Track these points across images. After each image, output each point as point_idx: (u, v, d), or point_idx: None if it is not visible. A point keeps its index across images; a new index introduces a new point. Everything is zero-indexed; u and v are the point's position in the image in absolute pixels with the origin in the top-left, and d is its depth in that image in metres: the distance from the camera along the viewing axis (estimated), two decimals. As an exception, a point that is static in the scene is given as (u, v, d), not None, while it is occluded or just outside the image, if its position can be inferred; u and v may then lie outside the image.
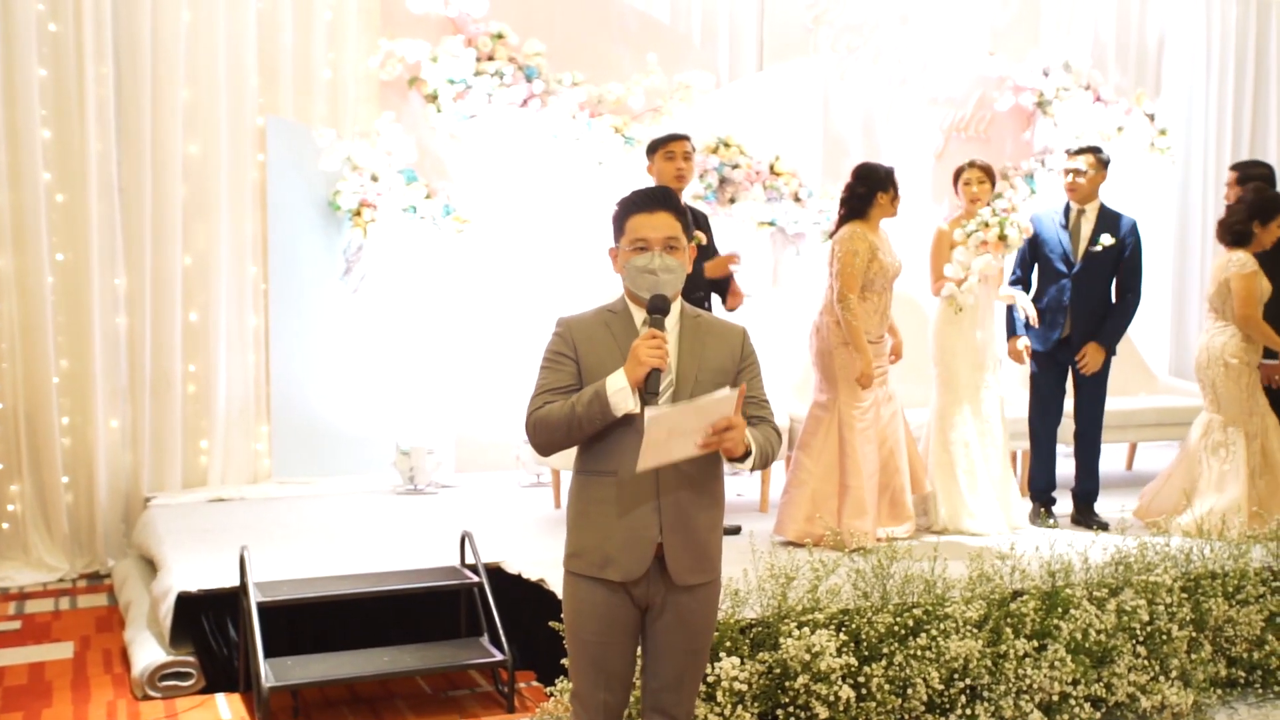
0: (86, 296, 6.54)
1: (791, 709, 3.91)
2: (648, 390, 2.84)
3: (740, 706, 3.86)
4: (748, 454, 2.91)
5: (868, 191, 5.67)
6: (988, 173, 6.01)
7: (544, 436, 2.95)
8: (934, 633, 4.12)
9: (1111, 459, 8.03)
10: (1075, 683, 4.29)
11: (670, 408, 2.79)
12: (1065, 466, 6.37)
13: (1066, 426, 6.28)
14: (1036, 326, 6.02)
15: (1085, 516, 6.05)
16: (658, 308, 2.92)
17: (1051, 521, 5.98)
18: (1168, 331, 9.60)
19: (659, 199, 3.03)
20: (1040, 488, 6.16)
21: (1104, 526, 5.86)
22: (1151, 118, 8.82)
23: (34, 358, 6.49)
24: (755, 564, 4.24)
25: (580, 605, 2.98)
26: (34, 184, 6.43)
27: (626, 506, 2.90)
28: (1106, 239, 5.96)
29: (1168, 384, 8.23)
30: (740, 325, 3.13)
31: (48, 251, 6.48)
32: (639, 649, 3.09)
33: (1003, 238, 5.92)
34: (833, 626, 4.08)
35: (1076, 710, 4.24)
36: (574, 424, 2.89)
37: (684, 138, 5.72)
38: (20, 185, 6.44)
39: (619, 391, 2.84)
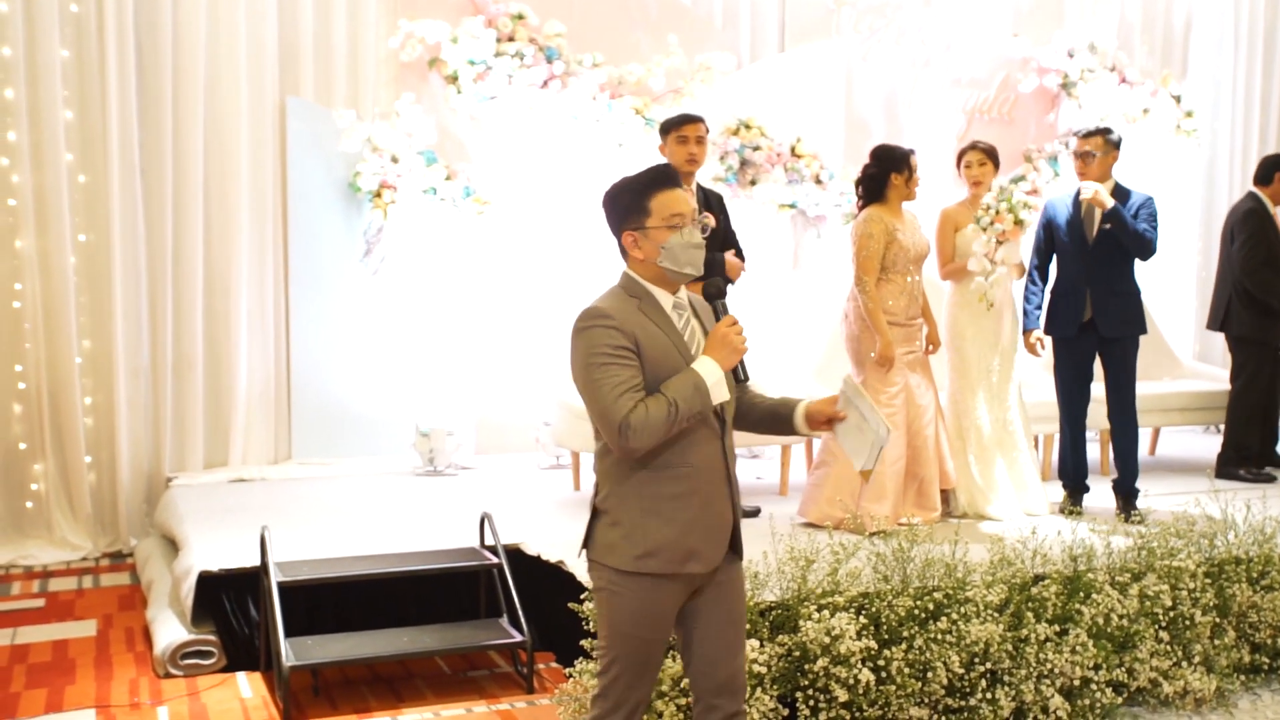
0: (108, 277, 6.57)
1: (811, 692, 3.89)
2: (738, 378, 2.85)
3: (759, 689, 3.85)
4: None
5: (880, 173, 5.67)
6: (990, 154, 5.96)
7: (648, 439, 2.78)
8: (954, 616, 4.10)
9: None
10: (1097, 667, 4.26)
11: (861, 396, 2.97)
12: (1091, 452, 6.30)
13: (1093, 412, 6.21)
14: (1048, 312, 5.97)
15: (1124, 507, 5.93)
16: (720, 293, 2.93)
17: (1076, 510, 5.90)
18: (1193, 316, 9.49)
19: (675, 176, 2.99)
20: (1070, 475, 6.08)
21: (1139, 520, 5.81)
22: (1178, 99, 8.72)
23: (57, 338, 6.52)
24: (775, 546, 4.23)
25: (647, 606, 2.88)
26: (56, 165, 6.45)
27: (706, 497, 2.87)
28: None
29: (1192, 369, 8.17)
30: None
31: (70, 232, 6.51)
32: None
33: (1019, 222, 5.89)
34: (853, 610, 4.06)
35: (1098, 695, 4.22)
36: (675, 421, 2.79)
37: (698, 120, 5.60)
38: (43, 166, 6.47)
39: (718, 383, 2.82)
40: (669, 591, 2.90)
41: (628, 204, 2.95)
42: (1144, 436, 7.92)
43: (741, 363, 2.87)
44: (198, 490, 6.43)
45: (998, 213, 5.85)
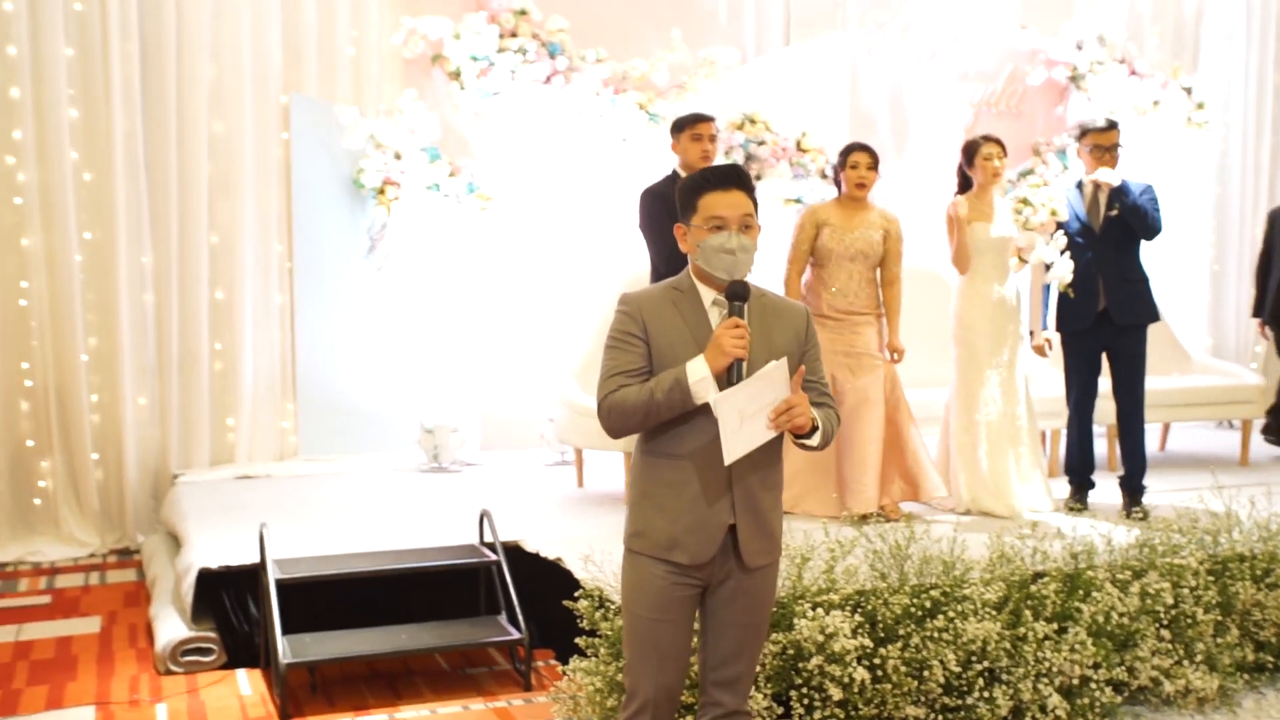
0: (114, 274, 6.60)
1: (805, 690, 3.88)
2: (730, 381, 2.81)
3: (753, 687, 3.83)
4: (814, 429, 2.90)
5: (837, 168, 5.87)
6: (1003, 147, 5.93)
7: (619, 422, 2.89)
8: (951, 614, 4.07)
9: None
10: (1096, 666, 4.23)
11: (731, 389, 2.78)
12: (1099, 447, 6.26)
13: (1100, 407, 6.17)
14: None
15: (1131, 502, 5.90)
16: (738, 294, 2.88)
17: (1078, 506, 5.87)
18: (1205, 311, 9.43)
19: (733, 177, 2.97)
20: (1076, 471, 6.05)
21: (1144, 517, 5.77)
22: (1189, 91, 8.67)
23: (63, 335, 6.55)
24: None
25: (638, 582, 2.95)
26: (61, 163, 6.48)
27: (698, 491, 2.86)
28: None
29: (1202, 363, 8.10)
30: (802, 305, 3.10)
31: (75, 230, 6.53)
32: (695, 631, 3.07)
33: (1053, 213, 5.91)
34: (848, 608, 4.04)
35: (1097, 694, 4.19)
36: (652, 411, 2.84)
37: (710, 119, 5.65)
38: (48, 164, 6.50)
39: (701, 381, 2.81)
40: (663, 575, 2.91)
41: (683, 198, 3.01)
42: (1154, 432, 7.88)
43: (738, 367, 2.82)
44: (202, 487, 6.45)
45: (1032, 205, 5.86)
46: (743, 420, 2.79)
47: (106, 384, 6.67)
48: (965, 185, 5.93)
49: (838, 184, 5.87)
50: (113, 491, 6.70)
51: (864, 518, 5.39)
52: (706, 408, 2.83)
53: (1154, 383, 7.00)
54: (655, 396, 2.83)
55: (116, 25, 6.53)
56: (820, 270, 5.80)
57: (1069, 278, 5.85)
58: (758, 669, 3.85)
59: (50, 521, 6.61)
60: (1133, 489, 5.88)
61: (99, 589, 5.99)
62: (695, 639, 3.09)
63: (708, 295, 2.96)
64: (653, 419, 2.87)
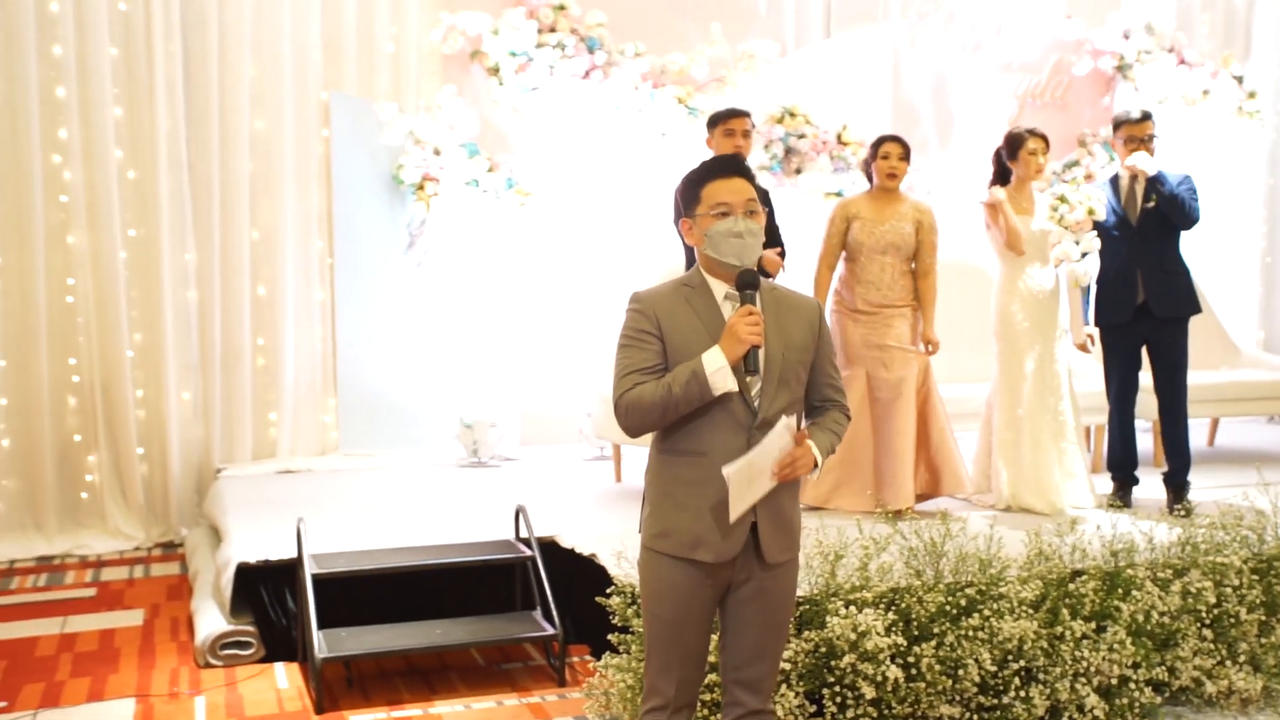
0: (158, 271, 6.68)
1: (837, 689, 3.85)
2: (747, 369, 2.80)
3: (785, 685, 3.81)
4: (816, 464, 2.92)
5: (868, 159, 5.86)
6: (1046, 142, 5.85)
7: (637, 419, 2.87)
8: (987, 613, 4.03)
9: (1193, 435, 7.78)
10: (1136, 666, 4.17)
11: (742, 460, 2.78)
12: (1144, 442, 6.18)
13: (1143, 401, 6.08)
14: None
15: (1176, 498, 5.81)
16: (749, 283, 2.87)
17: (1117, 504, 5.78)
18: (1256, 304, 9.25)
19: (733, 165, 2.99)
20: (1119, 466, 5.96)
21: (1187, 513, 5.69)
22: (1240, 80, 8.50)
23: (109, 332, 6.64)
24: (803, 542, 4.17)
25: (660, 584, 2.93)
26: (106, 161, 6.57)
27: (720, 487, 2.82)
28: None
29: (1252, 357, 7.96)
30: (814, 299, 3.09)
31: (120, 227, 6.62)
32: (715, 629, 3.05)
33: (1090, 211, 5.85)
34: (882, 605, 4.00)
35: (1136, 694, 4.12)
36: (670, 405, 2.82)
37: (745, 114, 5.63)
38: (93, 162, 6.59)
39: (718, 371, 2.79)
40: (686, 576, 2.89)
41: (685, 193, 3.01)
42: (1202, 427, 7.76)
43: (753, 355, 2.82)
44: (244, 481, 6.52)
45: (1069, 203, 5.80)
46: (750, 480, 2.80)
47: (151, 380, 6.76)
48: (1001, 175, 5.86)
49: (869, 176, 5.82)
50: (157, 486, 6.78)
51: (898, 513, 5.34)
52: (723, 401, 2.83)
53: (1202, 377, 6.90)
54: (673, 391, 2.81)
55: (160, 25, 6.60)
56: (852, 264, 5.76)
57: (1087, 280, 5.78)
58: (790, 667, 3.83)
59: (97, 515, 6.71)
60: (1177, 486, 5.79)
61: (143, 582, 6.07)
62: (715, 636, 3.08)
63: (719, 289, 2.94)
64: (671, 414, 2.85)
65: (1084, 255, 5.83)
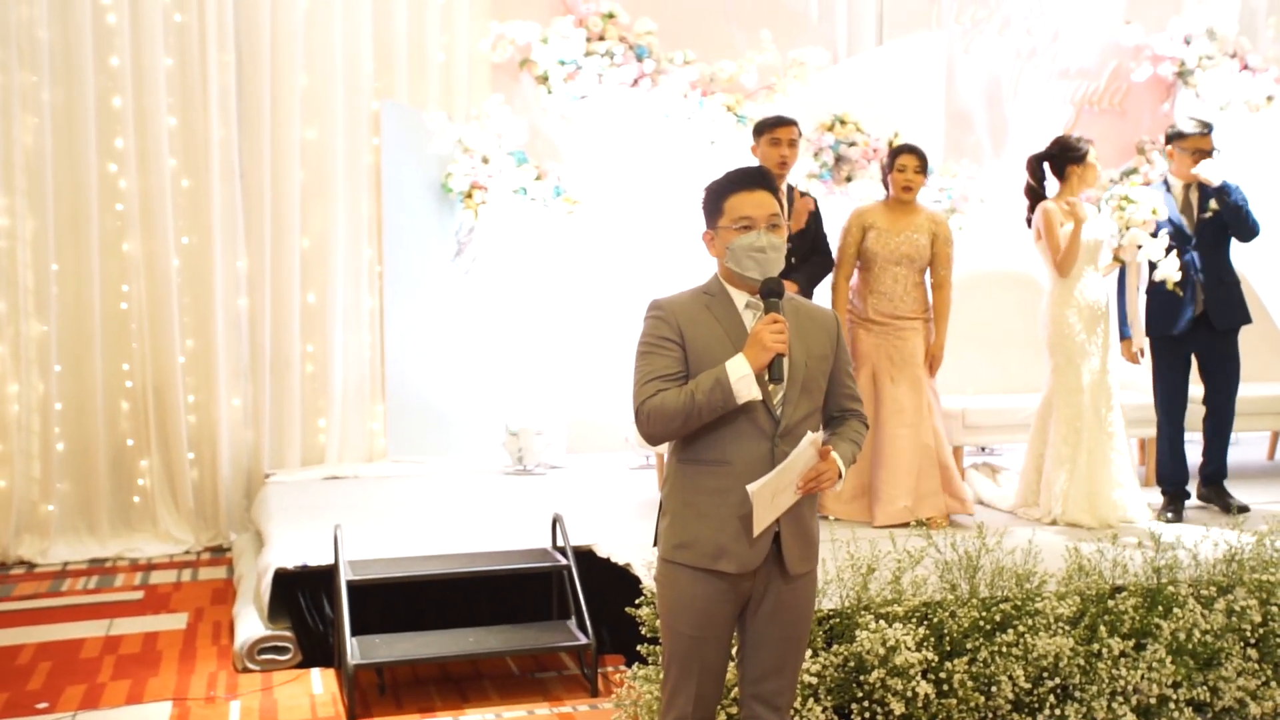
0: (210, 278, 6.78)
1: (866, 704, 3.79)
2: (771, 377, 2.79)
3: (813, 699, 3.76)
4: (840, 476, 2.89)
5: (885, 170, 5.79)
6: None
7: (659, 426, 2.84)
8: (1022, 629, 3.94)
9: (1251, 448, 7.61)
10: (1176, 685, 4.06)
11: (766, 477, 2.77)
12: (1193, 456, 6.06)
13: (1194, 413, 5.97)
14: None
15: (1217, 496, 5.75)
16: (773, 291, 2.85)
17: (1169, 516, 5.67)
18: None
19: (757, 178, 2.97)
20: (1169, 479, 5.84)
21: (1244, 509, 5.57)
22: (1306, 86, 8.28)
23: (161, 337, 6.75)
24: (835, 554, 4.13)
25: (679, 597, 2.90)
26: (160, 170, 6.68)
27: (743, 497, 2.80)
28: (1214, 203, 5.71)
29: (1316, 368, 7.73)
30: (832, 311, 3.07)
31: (174, 235, 6.73)
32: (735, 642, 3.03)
33: (1154, 210, 5.77)
34: (914, 620, 3.94)
35: (1176, 714, 4.02)
36: (693, 413, 2.80)
37: (792, 123, 5.60)
38: (148, 171, 6.70)
39: (743, 379, 2.77)
40: (707, 588, 2.86)
41: (708, 204, 3.01)
42: (1262, 441, 7.58)
43: (778, 362, 2.79)
44: (291, 487, 6.58)
45: (1134, 201, 5.77)
46: (774, 495, 2.79)
47: (202, 385, 6.86)
48: (1039, 176, 5.78)
49: (886, 186, 5.75)
50: (207, 490, 6.87)
51: (905, 525, 5.32)
52: (746, 409, 2.81)
53: (1261, 389, 6.74)
54: (696, 398, 2.79)
55: (214, 35, 6.71)
56: (866, 274, 5.71)
57: (1177, 276, 5.70)
58: (818, 681, 3.78)
59: (148, 519, 6.81)
60: (1212, 473, 5.85)
61: (190, 586, 6.15)
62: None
63: (740, 298, 2.92)
64: (693, 422, 2.82)
65: (1169, 251, 5.73)
